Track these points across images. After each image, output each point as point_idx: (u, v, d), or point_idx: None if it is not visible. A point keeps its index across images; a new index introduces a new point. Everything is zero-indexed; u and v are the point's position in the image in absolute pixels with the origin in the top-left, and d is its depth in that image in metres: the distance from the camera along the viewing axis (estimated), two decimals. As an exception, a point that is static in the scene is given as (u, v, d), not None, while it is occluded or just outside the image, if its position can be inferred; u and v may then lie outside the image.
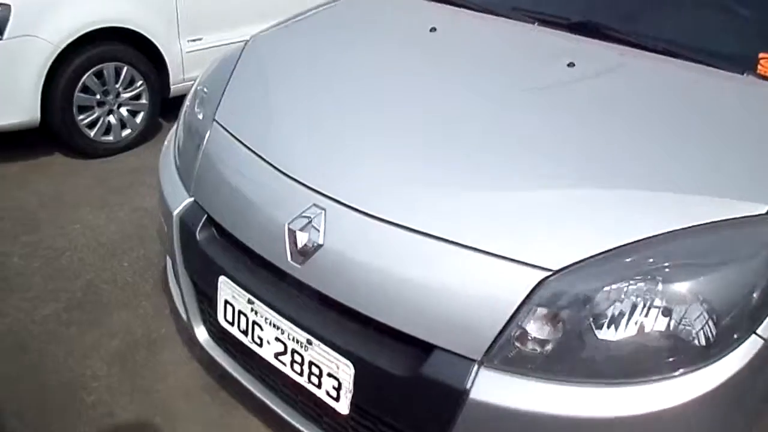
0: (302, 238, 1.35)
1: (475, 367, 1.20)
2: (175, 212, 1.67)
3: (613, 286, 1.18)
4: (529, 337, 1.20)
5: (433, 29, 1.92)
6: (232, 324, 1.54)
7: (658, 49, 1.76)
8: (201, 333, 1.77)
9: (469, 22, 2.02)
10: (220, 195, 1.58)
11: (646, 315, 1.18)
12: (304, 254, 1.36)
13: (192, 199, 1.68)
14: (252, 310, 1.47)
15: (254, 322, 1.48)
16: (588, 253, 1.20)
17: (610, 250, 1.20)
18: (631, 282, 1.18)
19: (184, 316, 1.82)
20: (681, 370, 1.17)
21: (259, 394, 1.61)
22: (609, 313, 1.18)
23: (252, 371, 1.63)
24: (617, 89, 1.62)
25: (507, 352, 1.20)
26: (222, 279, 1.52)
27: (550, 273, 1.19)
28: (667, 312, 1.18)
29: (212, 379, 2.01)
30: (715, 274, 1.20)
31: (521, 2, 2.04)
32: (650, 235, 1.21)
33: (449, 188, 1.34)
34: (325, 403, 1.39)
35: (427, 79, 1.72)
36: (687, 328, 1.17)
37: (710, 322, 1.18)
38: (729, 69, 1.70)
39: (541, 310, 1.19)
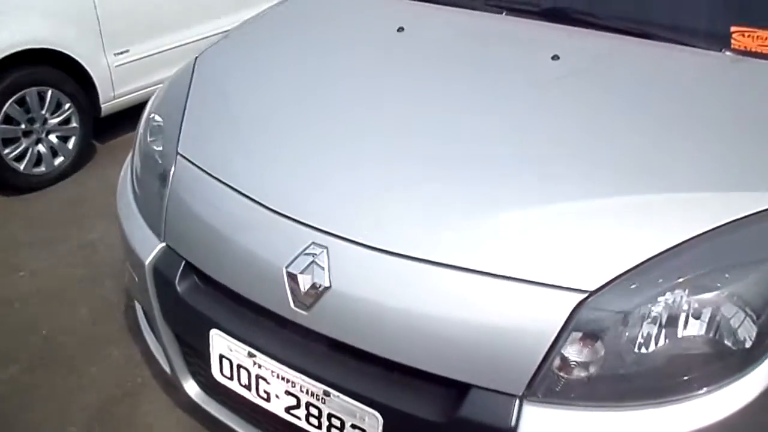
0: (305, 282, 1.23)
1: (518, 402, 1.12)
2: (147, 262, 1.51)
3: (650, 300, 1.11)
4: (571, 364, 1.12)
5: (400, 29, 1.80)
6: (230, 379, 1.41)
7: (633, 32, 1.70)
8: (191, 387, 1.62)
9: (436, 17, 1.91)
10: (199, 239, 1.43)
11: (686, 324, 1.12)
12: (309, 299, 1.23)
13: (164, 244, 1.51)
14: (254, 363, 1.34)
15: (258, 376, 1.34)
16: (621, 269, 1.13)
17: (643, 262, 1.13)
18: (668, 293, 1.12)
19: (167, 369, 1.67)
20: (727, 379, 1.12)
21: None
22: (648, 328, 1.12)
23: (259, 425, 1.49)
24: (607, 82, 1.55)
25: (550, 382, 1.12)
26: (214, 332, 1.38)
27: (587, 294, 1.11)
28: (705, 318, 1.12)
29: (204, 429, 1.87)
30: (750, 272, 1.16)
31: None
32: (680, 241, 1.15)
33: (460, 211, 1.24)
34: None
35: (406, 87, 1.60)
36: (727, 332, 1.13)
37: (749, 323, 1.13)
38: (708, 47, 1.67)
39: (580, 334, 1.11)
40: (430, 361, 1.16)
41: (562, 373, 1.12)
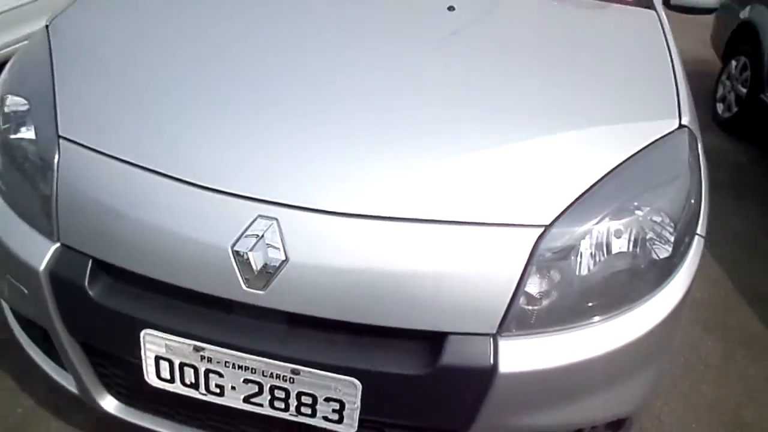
0: (257, 259, 1.14)
1: (493, 340, 1.16)
2: (42, 268, 1.29)
3: (588, 228, 1.20)
4: (536, 296, 1.18)
5: None
6: (171, 381, 1.27)
7: None
8: (108, 402, 1.44)
9: None
10: (110, 232, 1.24)
11: (617, 245, 1.23)
12: (263, 277, 1.15)
13: (58, 245, 1.30)
14: (202, 358, 1.22)
15: (208, 371, 1.23)
16: (566, 201, 1.20)
17: (579, 196, 1.22)
18: (602, 220, 1.21)
19: (72, 388, 1.46)
20: (657, 287, 1.27)
21: None
22: (588, 253, 1.21)
23: (203, 424, 1.37)
24: (504, 29, 1.63)
25: (519, 317, 1.17)
26: (146, 333, 1.23)
27: (543, 229, 1.17)
28: (632, 237, 1.24)
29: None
30: (664, 191, 1.30)
31: None
32: (603, 174, 1.25)
33: (404, 163, 1.23)
34: (321, 429, 1.24)
35: (307, 40, 1.53)
36: (651, 246, 1.26)
37: (668, 235, 1.27)
38: None
39: (540, 267, 1.17)
40: (403, 317, 1.15)
41: (528, 306, 1.17)
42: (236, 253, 1.14)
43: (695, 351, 2.25)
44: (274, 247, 1.14)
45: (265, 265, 1.14)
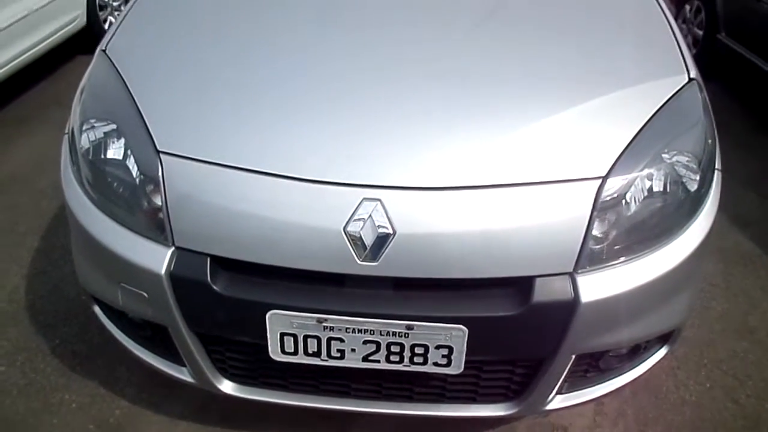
0: (368, 236, 1.33)
1: (571, 278, 1.38)
2: (163, 271, 1.45)
3: (638, 173, 1.43)
4: (599, 236, 1.40)
5: None
6: (294, 353, 1.45)
7: None
8: (225, 386, 1.62)
9: None
10: (229, 231, 1.41)
11: (665, 182, 1.46)
12: (375, 251, 1.34)
13: (174, 248, 1.46)
14: (325, 328, 1.41)
15: (330, 339, 1.42)
16: (613, 155, 1.42)
17: (626, 148, 1.44)
18: (643, 168, 1.44)
19: (188, 378, 1.63)
20: (695, 215, 1.51)
21: (329, 405, 1.58)
22: (633, 195, 1.44)
23: (316, 389, 1.57)
24: (527, 8, 1.83)
25: (589, 255, 1.39)
26: (271, 314, 1.41)
27: (600, 180, 1.39)
28: (674, 174, 1.48)
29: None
30: (689, 135, 1.54)
31: None
32: (640, 127, 1.48)
33: (478, 138, 1.43)
34: (429, 374, 1.45)
35: (364, 34, 1.72)
36: (687, 179, 1.49)
37: (695, 170, 1.51)
38: None
39: (601, 211, 1.39)
40: (497, 268, 1.36)
41: (595, 246, 1.40)
42: (348, 234, 1.33)
43: (700, 273, 2.54)
44: (382, 225, 1.33)
45: (375, 241, 1.33)
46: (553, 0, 1.94)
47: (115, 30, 1.83)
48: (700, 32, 4.30)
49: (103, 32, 4.26)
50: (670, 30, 1.82)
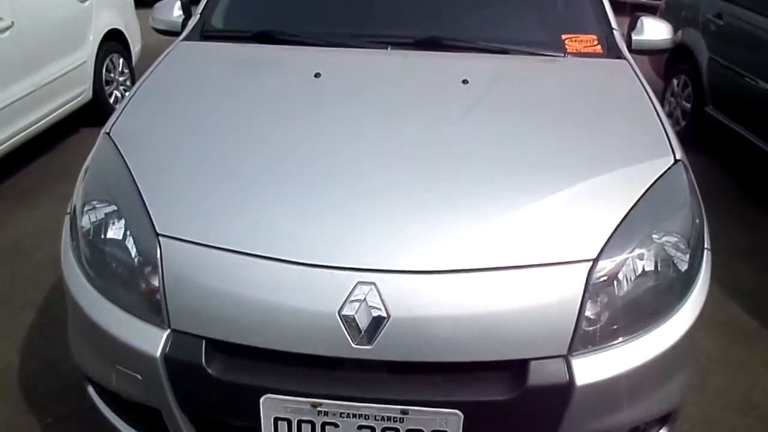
0: (362, 320, 1.34)
1: (566, 360, 1.38)
2: (158, 354, 1.45)
3: (629, 254, 1.45)
4: (592, 318, 1.41)
5: (317, 74, 1.95)
6: (289, 437, 1.44)
7: (503, 51, 2.11)
8: None
9: (342, 60, 2.11)
10: (222, 314, 1.42)
11: (656, 262, 1.48)
12: (369, 334, 1.35)
13: (169, 331, 1.47)
14: (319, 413, 1.40)
15: (325, 423, 1.41)
16: (603, 237, 1.45)
17: (615, 230, 1.47)
18: (633, 249, 1.46)
19: None
20: (686, 295, 1.52)
21: None
22: (625, 276, 1.46)
23: None
24: (513, 96, 1.91)
25: (584, 337, 1.40)
26: (266, 398, 1.40)
27: (591, 262, 1.41)
28: (657, 259, 1.50)
29: None
30: (677, 216, 1.58)
31: (362, 30, 2.19)
32: (629, 209, 1.51)
33: (470, 223, 1.46)
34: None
35: (357, 125, 1.76)
36: (677, 259, 1.52)
37: (684, 250, 1.54)
38: (555, 54, 2.13)
39: (593, 293, 1.41)
40: (491, 351, 1.37)
41: (588, 327, 1.41)
42: (343, 317, 1.34)
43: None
44: (376, 308, 1.34)
45: (369, 324, 1.34)
46: (539, 85, 2.01)
47: (119, 113, 1.90)
48: (689, 105, 4.43)
49: (109, 106, 4.45)
50: (654, 112, 1.88)
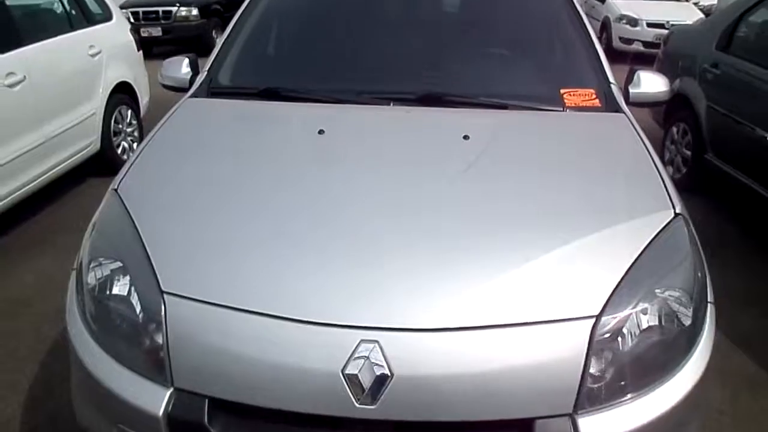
0: (366, 379, 1.34)
1: (571, 419, 1.37)
2: (161, 413, 1.44)
3: (632, 310, 1.46)
4: (596, 375, 1.41)
5: (321, 131, 1.99)
6: (292, 498, 1.42)
7: (503, 106, 2.16)
8: None
9: (344, 116, 2.15)
10: (225, 372, 1.42)
11: (659, 318, 1.49)
12: (374, 394, 1.34)
13: (173, 389, 1.46)
14: (322, 471, 1.38)
15: (327, 482, 1.39)
16: (606, 293, 1.46)
17: (617, 285, 1.47)
18: (636, 304, 1.47)
19: None
20: (691, 349, 1.52)
21: None
22: (629, 331, 1.46)
23: None
24: (514, 151, 1.94)
25: (589, 394, 1.39)
26: (269, 457, 1.39)
27: (594, 318, 1.42)
28: (661, 313, 1.50)
29: None
30: (679, 271, 1.58)
31: (365, 86, 2.25)
32: (630, 264, 1.52)
33: (473, 281, 1.47)
34: None
35: (360, 183, 1.79)
36: (680, 314, 1.52)
37: (688, 305, 1.54)
38: (554, 108, 2.17)
39: (597, 350, 1.41)
40: (496, 410, 1.36)
41: (594, 385, 1.40)
42: (346, 376, 1.34)
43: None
44: (380, 366, 1.34)
45: (373, 383, 1.34)
46: (539, 141, 2.04)
47: (127, 170, 1.93)
48: (689, 152, 4.47)
49: (116, 157, 4.52)
50: (653, 166, 1.91)
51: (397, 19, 2.72)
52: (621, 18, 10.52)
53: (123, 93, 4.82)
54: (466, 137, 1.94)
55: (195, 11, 10.50)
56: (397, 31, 2.61)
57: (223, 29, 2.65)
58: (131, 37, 5.20)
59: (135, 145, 4.95)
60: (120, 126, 4.80)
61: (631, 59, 9.04)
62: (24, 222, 3.99)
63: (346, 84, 2.33)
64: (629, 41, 10.36)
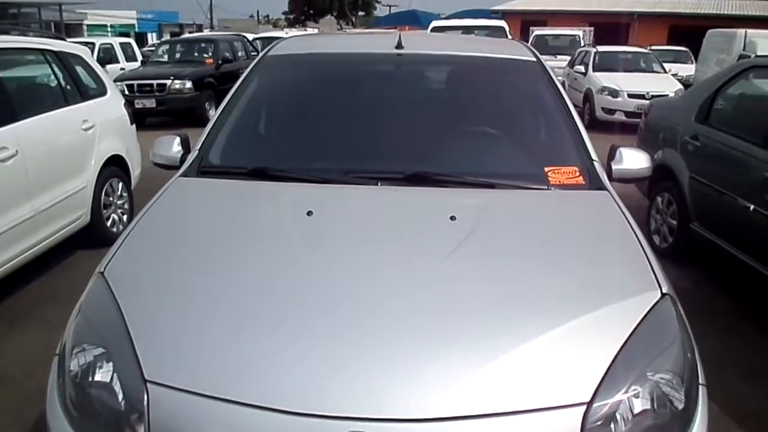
0: (354, 472, 1.30)
1: None
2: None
3: (624, 395, 1.45)
4: (590, 464, 1.38)
5: (309, 212, 2.01)
6: None
7: (490, 185, 2.20)
8: None
9: (334, 197, 2.18)
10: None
11: (652, 401, 1.48)
12: (362, 486, 1.30)
13: (153, 481, 1.42)
14: None
15: None
16: (595, 378, 1.45)
17: (607, 371, 1.46)
18: (631, 385, 1.46)
19: None
20: None
21: None
22: (620, 416, 1.44)
23: None
24: (501, 234, 1.96)
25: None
26: None
27: (585, 405, 1.40)
28: (653, 396, 1.49)
29: None
30: (669, 352, 1.58)
31: (353, 166, 2.29)
32: (619, 348, 1.52)
33: (461, 370, 1.45)
34: None
35: (347, 267, 1.79)
36: (667, 400, 1.50)
37: (679, 387, 1.53)
38: (539, 186, 2.22)
39: (590, 437, 1.39)
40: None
41: (587, 475, 1.37)
42: None
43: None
44: None
45: None
46: (524, 221, 2.07)
47: (114, 252, 1.93)
48: (674, 222, 4.53)
49: (106, 230, 4.52)
50: (639, 244, 1.93)
51: (384, 100, 2.80)
52: (603, 89, 10.87)
53: (115, 166, 4.87)
54: (452, 218, 1.96)
55: (189, 84, 10.74)
56: (384, 111, 2.68)
57: (216, 101, 2.71)
58: (125, 111, 5.29)
59: (125, 217, 4.97)
60: (110, 198, 4.83)
61: (617, 127, 9.30)
62: (12, 294, 3.94)
63: (334, 164, 2.37)
64: (612, 111, 10.68)
